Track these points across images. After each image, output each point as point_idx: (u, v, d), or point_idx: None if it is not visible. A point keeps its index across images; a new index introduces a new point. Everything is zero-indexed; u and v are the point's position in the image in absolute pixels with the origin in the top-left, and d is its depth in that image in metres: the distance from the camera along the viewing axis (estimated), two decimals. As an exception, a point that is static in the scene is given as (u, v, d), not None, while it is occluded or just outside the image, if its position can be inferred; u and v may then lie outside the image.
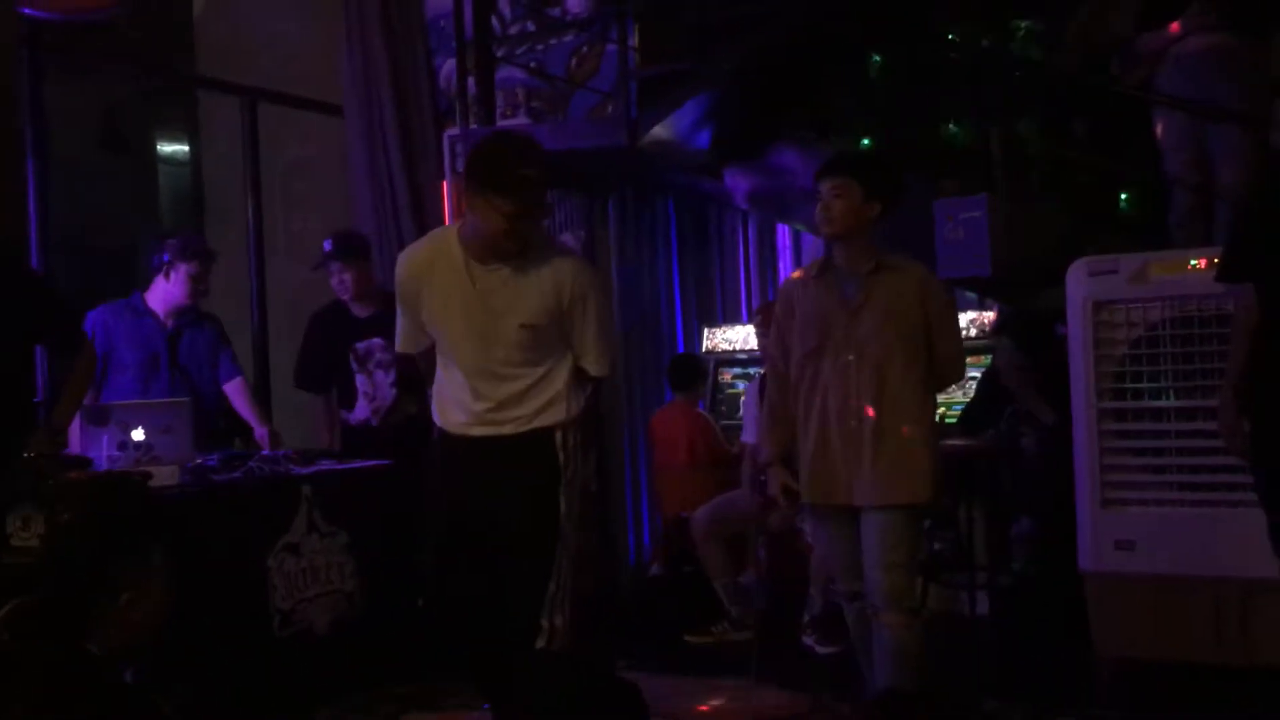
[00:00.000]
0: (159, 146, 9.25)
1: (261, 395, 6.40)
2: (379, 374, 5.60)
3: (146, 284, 5.41)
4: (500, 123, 6.80)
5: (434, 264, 3.71)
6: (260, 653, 4.56)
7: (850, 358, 3.93)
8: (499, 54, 6.94)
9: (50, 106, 6.10)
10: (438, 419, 3.87)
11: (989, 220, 5.28)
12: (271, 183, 7.27)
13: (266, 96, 7.01)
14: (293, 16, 7.80)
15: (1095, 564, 4.69)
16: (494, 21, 7.04)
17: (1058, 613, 5.11)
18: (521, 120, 7.16)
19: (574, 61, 7.24)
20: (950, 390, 5.77)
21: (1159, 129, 5.47)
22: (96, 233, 8.30)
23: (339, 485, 4.99)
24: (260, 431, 5.36)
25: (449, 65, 7.05)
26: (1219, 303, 4.37)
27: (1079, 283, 4.73)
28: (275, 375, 6.58)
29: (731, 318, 7.39)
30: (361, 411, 5.65)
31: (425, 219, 6.82)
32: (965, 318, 6.15)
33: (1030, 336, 5.43)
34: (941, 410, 5.25)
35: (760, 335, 5.89)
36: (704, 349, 7.25)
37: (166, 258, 5.30)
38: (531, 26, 7.38)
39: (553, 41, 7.32)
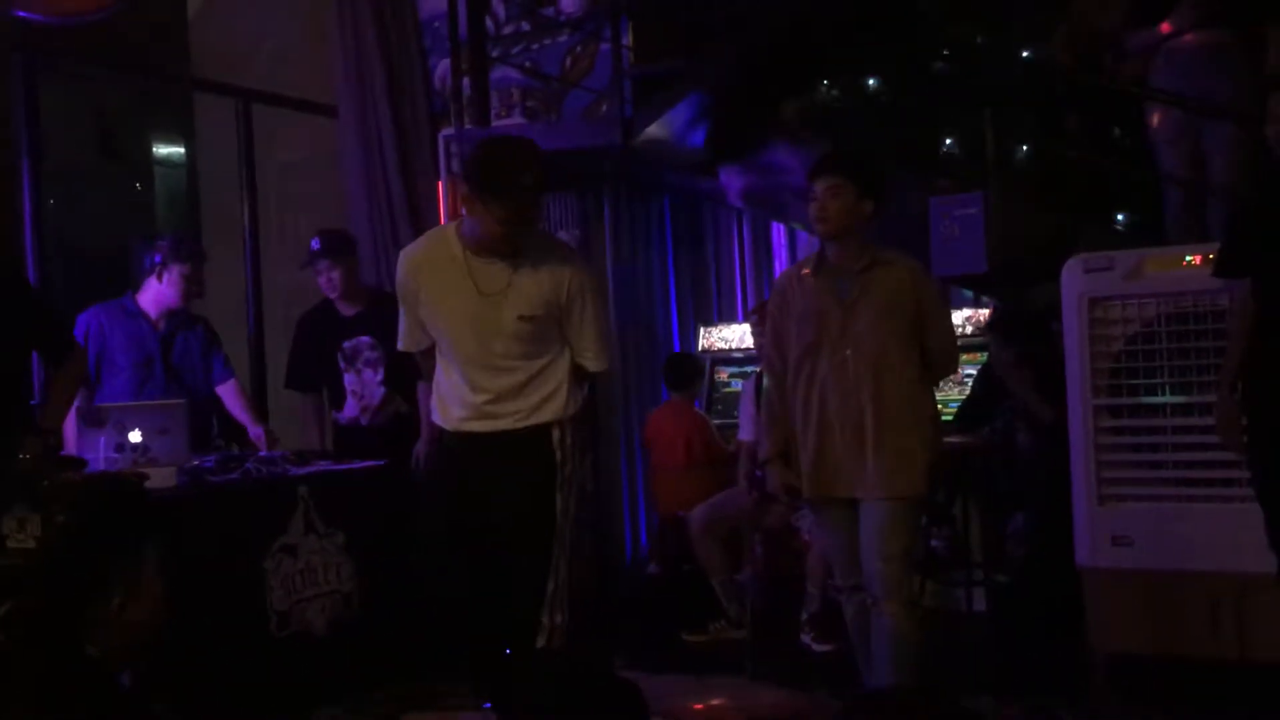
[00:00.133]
0: (154, 150, 9.23)
1: (257, 397, 6.40)
2: (367, 372, 5.59)
3: (137, 286, 5.39)
4: (495, 122, 6.80)
5: (433, 260, 3.73)
6: (258, 654, 4.55)
7: (847, 353, 3.96)
8: (493, 54, 6.94)
9: (45, 111, 6.10)
10: (437, 417, 3.87)
11: (984, 217, 5.31)
12: (267, 185, 7.27)
13: (261, 98, 7.01)
14: (287, 19, 7.80)
15: (1092, 559, 4.69)
16: (488, 21, 7.03)
17: (1054, 608, 5.10)
18: (516, 120, 7.17)
19: (568, 61, 7.24)
20: (947, 388, 5.80)
21: (1154, 123, 5.47)
22: (92, 237, 8.30)
23: (336, 486, 4.98)
24: (255, 432, 5.35)
25: (443, 65, 7.05)
26: (1215, 299, 4.36)
27: (1074, 279, 4.72)
28: (271, 377, 6.57)
29: (727, 316, 7.38)
30: (351, 410, 5.64)
31: (420, 219, 6.83)
32: (961, 315, 6.16)
33: (1018, 332, 5.42)
34: (939, 408, 5.25)
35: (756, 334, 5.89)
36: (700, 348, 7.24)
37: (159, 259, 5.28)
38: (526, 26, 7.37)
39: (547, 41, 7.31)
